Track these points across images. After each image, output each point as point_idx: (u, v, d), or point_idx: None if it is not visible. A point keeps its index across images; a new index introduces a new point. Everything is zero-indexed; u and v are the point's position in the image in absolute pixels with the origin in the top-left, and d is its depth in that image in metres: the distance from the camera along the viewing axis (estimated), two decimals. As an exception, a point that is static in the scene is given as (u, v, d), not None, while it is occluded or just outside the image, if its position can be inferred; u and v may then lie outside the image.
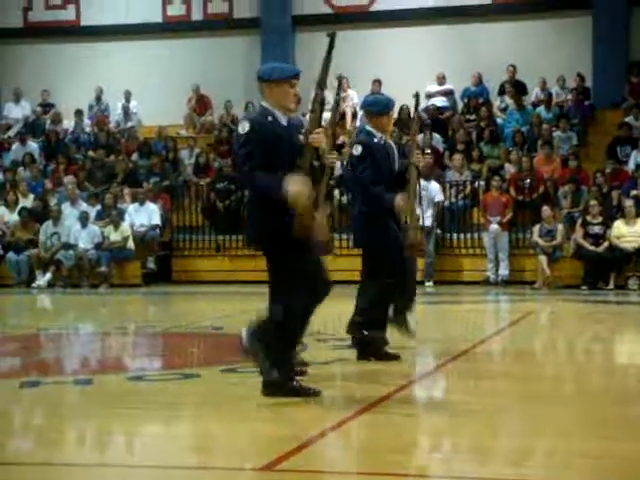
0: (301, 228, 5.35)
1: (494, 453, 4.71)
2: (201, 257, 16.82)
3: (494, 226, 15.34)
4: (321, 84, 5.60)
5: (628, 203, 14.62)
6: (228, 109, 19.76)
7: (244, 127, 5.48)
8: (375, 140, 6.92)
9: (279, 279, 5.57)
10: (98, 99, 20.73)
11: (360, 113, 15.90)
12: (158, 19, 20.78)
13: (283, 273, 5.51)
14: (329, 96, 6.64)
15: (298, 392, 5.58)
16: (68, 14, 21.18)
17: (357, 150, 6.87)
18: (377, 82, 18.44)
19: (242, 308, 12.57)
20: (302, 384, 5.67)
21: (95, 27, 20.80)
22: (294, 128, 5.60)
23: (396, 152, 7.11)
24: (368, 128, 6.95)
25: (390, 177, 6.99)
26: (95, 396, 6.19)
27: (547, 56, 18.69)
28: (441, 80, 18.70)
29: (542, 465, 4.45)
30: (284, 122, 5.57)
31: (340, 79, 6.14)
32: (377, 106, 7.06)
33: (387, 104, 7.15)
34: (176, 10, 20.75)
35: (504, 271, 15.19)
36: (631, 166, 16.26)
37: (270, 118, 5.52)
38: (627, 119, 17.47)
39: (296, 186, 5.31)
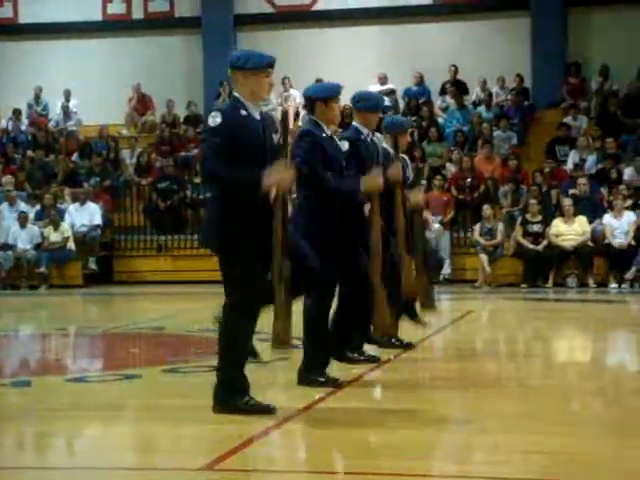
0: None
1: (436, 450, 4.75)
2: (143, 257, 16.69)
3: (436, 225, 15.46)
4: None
5: (566, 202, 14.81)
6: (170, 108, 19.64)
7: (215, 120, 5.15)
8: (362, 137, 6.70)
9: (232, 281, 5.35)
10: (37, 98, 20.46)
11: (303, 113, 15.89)
12: (98, 17, 20.56)
13: (236, 275, 5.28)
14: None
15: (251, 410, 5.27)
16: (5, 11, 20.86)
17: (344, 147, 6.67)
18: (319, 82, 18.43)
19: (183, 308, 12.54)
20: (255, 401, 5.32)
21: (34, 25, 20.49)
22: (267, 125, 5.37)
23: (380, 150, 7.00)
24: (355, 124, 6.78)
25: None
26: (34, 398, 6.11)
27: (487, 57, 18.88)
28: (383, 80, 18.78)
29: (484, 461, 4.49)
30: (257, 116, 5.28)
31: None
32: (368, 102, 6.81)
33: (379, 100, 7.06)
34: (116, 8, 20.53)
35: (446, 270, 15.31)
36: (569, 166, 16.49)
37: (244, 112, 5.21)
38: (565, 119, 17.71)
39: (275, 175, 5.07)
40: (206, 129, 5.34)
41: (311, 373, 6.07)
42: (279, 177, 5.10)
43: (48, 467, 4.51)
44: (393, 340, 7.56)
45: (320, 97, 6.15)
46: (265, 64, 5.30)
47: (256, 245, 5.21)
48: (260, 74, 5.27)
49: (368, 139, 6.72)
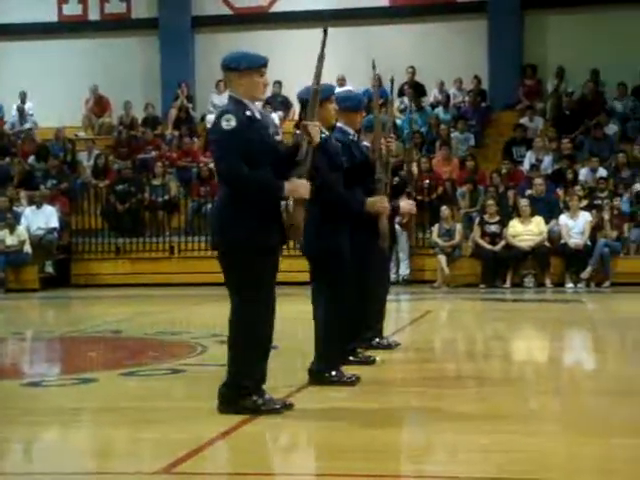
0: (294, 231, 5.24)
1: (396, 450, 4.75)
2: (101, 260, 16.55)
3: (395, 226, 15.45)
4: (317, 78, 5.45)
5: (523, 203, 14.92)
6: (127, 110, 19.52)
7: (230, 123, 5.09)
8: (350, 137, 6.74)
9: (239, 282, 5.23)
10: (-8, 100, 20.26)
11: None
12: (54, 18, 20.38)
13: (244, 277, 5.18)
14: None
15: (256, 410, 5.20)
16: (-40, 13, 20.62)
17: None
18: (278, 83, 18.47)
19: (141, 311, 12.46)
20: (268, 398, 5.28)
21: (-12, 26, 20.30)
22: (270, 124, 5.38)
23: (364, 149, 6.98)
24: (340, 125, 6.73)
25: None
26: (-11, 403, 6.03)
27: (445, 58, 18.98)
28: (341, 82, 18.76)
29: (444, 461, 4.50)
30: (258, 116, 5.28)
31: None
32: (351, 101, 6.84)
33: (361, 100, 7.05)
34: (72, 9, 20.37)
35: (405, 270, 15.35)
36: (526, 166, 16.62)
37: (248, 112, 5.18)
38: (522, 120, 17.86)
39: (300, 190, 5.16)
40: (219, 131, 5.16)
41: (328, 372, 6.12)
42: (299, 192, 5.16)
43: (4, 473, 4.44)
44: (378, 341, 7.60)
45: None
46: (259, 64, 5.30)
47: (266, 246, 5.19)
48: (254, 74, 5.26)
49: (355, 138, 6.80)
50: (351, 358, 6.86)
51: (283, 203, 5.23)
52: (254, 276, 5.16)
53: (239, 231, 5.15)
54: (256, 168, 5.12)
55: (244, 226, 5.14)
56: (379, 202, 6.65)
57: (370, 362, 6.98)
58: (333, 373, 6.17)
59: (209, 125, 17.60)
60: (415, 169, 8.03)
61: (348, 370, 6.35)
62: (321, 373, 6.18)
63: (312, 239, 5.94)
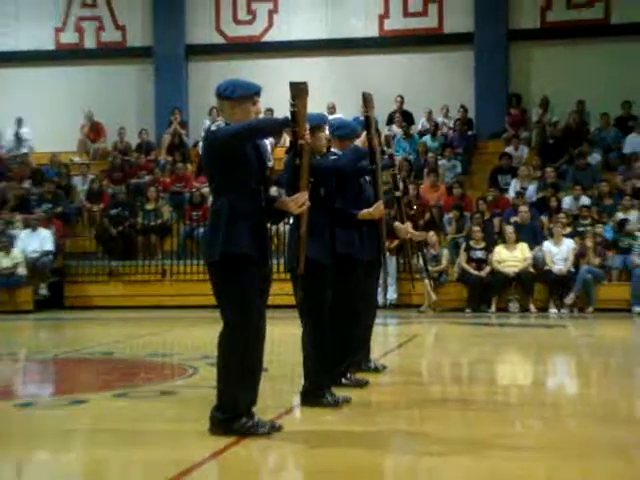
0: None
1: (380, 472, 4.74)
2: (94, 283, 16.51)
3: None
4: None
5: (509, 229, 14.97)
6: (121, 136, 19.56)
7: (219, 126, 5.22)
8: None
9: (229, 295, 5.20)
10: (-11, 125, 20.28)
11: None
12: (51, 46, 20.45)
13: (234, 290, 5.17)
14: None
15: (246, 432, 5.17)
16: (-41, 40, 20.66)
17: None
18: (269, 111, 18.52)
19: (133, 333, 12.42)
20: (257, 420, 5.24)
21: (-14, 53, 20.35)
22: (263, 150, 5.39)
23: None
24: (335, 150, 6.74)
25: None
26: (-18, 424, 6.00)
27: (433, 88, 19.10)
28: (331, 110, 18.87)
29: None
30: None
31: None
32: (345, 129, 6.90)
33: (356, 127, 7.09)
34: (69, 38, 20.46)
35: (392, 295, 15.35)
36: (511, 194, 16.68)
37: None
38: (507, 149, 17.95)
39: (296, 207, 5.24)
40: (212, 138, 5.19)
41: (320, 394, 6.12)
42: (299, 209, 5.21)
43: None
44: (366, 365, 7.59)
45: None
46: (252, 93, 5.29)
47: (258, 259, 5.18)
48: (247, 102, 5.25)
49: None
50: (343, 380, 6.86)
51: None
52: (242, 295, 5.10)
53: (229, 246, 5.11)
54: (246, 179, 5.14)
55: (233, 240, 5.11)
56: (377, 209, 6.74)
57: (362, 385, 6.97)
58: (325, 395, 6.15)
59: (202, 151, 17.67)
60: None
61: (340, 392, 6.33)
62: (312, 394, 6.16)
63: (293, 254, 5.85)
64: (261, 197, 5.24)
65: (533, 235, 15.11)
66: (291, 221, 5.49)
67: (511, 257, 14.75)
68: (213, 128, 5.24)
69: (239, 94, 5.24)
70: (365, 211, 6.79)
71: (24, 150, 19.77)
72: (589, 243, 14.66)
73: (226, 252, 5.11)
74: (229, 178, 5.16)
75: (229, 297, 5.15)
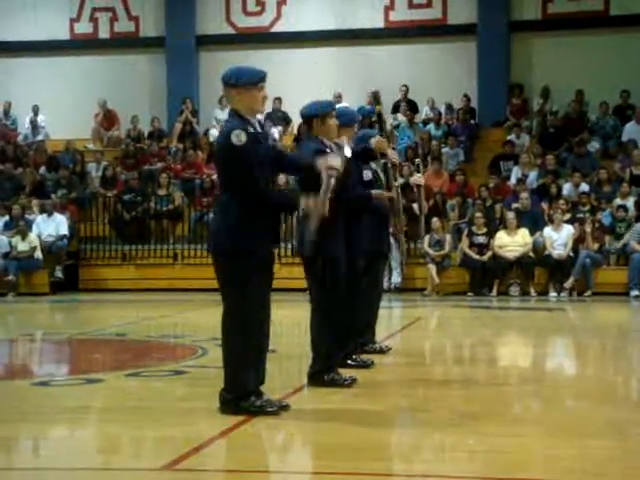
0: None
1: (385, 449, 4.77)
2: (107, 266, 16.56)
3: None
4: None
5: (510, 215, 14.96)
6: (134, 124, 19.58)
7: (240, 138, 4.98)
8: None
9: (233, 285, 5.19)
10: (6, 113, 20.30)
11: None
12: (66, 36, 20.44)
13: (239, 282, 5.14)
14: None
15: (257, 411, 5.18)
16: (-24, 30, 20.66)
17: (348, 153, 6.62)
18: (278, 99, 18.52)
19: (145, 315, 12.47)
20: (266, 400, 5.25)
21: (3, 43, 20.33)
22: (268, 135, 5.37)
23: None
24: (337, 141, 6.78)
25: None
26: (1, 402, 6.04)
27: (436, 78, 19.05)
28: (338, 98, 18.82)
29: (431, 460, 4.51)
30: (259, 129, 5.20)
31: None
32: (346, 117, 6.82)
33: (355, 115, 7.11)
34: (83, 28, 20.44)
35: (397, 279, 15.36)
36: (512, 181, 16.65)
37: (251, 129, 5.09)
38: (509, 137, 17.90)
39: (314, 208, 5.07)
40: (231, 148, 5.02)
41: (326, 374, 6.12)
42: (318, 212, 5.08)
43: (14, 468, 4.46)
44: (371, 346, 7.61)
45: (315, 114, 6.15)
46: (257, 79, 5.20)
47: (266, 253, 5.20)
48: (253, 89, 5.16)
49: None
50: (349, 362, 6.88)
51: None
52: (246, 281, 5.10)
53: (235, 238, 5.10)
54: (260, 178, 5.07)
55: (242, 233, 5.10)
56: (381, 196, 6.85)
57: (368, 365, 6.99)
58: (331, 375, 6.16)
59: (212, 139, 17.68)
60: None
61: (346, 373, 6.35)
62: (318, 375, 6.19)
63: (304, 240, 5.82)
64: (268, 192, 5.20)
65: (533, 221, 15.10)
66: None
67: (512, 242, 14.75)
68: (235, 141, 5.01)
69: (245, 81, 5.16)
70: (379, 191, 6.87)
71: (40, 137, 19.81)
72: (588, 229, 14.64)
73: (232, 248, 5.11)
74: (240, 179, 5.10)
75: (229, 285, 5.17)
